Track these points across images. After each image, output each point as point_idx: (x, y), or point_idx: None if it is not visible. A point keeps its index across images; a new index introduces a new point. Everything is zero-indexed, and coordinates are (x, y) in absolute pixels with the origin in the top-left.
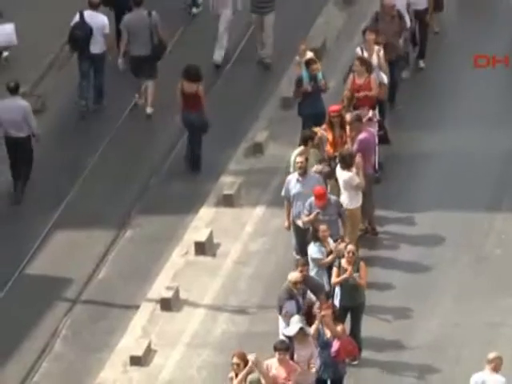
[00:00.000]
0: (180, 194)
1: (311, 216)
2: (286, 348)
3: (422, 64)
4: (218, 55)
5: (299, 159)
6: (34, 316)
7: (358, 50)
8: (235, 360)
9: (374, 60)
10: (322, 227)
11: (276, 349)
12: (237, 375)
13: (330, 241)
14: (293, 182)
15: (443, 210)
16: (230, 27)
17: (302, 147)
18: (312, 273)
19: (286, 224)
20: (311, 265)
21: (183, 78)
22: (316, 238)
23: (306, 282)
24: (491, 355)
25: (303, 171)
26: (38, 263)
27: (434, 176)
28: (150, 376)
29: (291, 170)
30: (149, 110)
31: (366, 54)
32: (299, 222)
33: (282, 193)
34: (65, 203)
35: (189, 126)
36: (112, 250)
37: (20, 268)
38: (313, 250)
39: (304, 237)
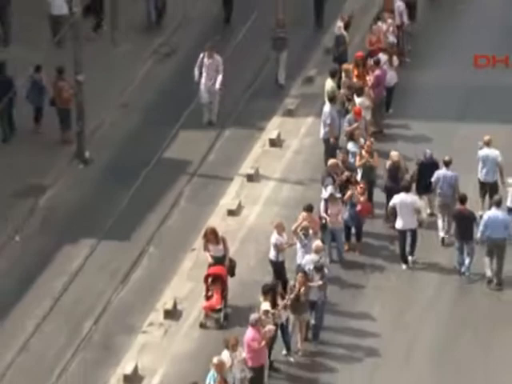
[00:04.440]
0: (260, 107)
1: (354, 126)
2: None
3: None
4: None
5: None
6: (171, 182)
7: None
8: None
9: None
10: (357, 131)
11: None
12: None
13: (362, 140)
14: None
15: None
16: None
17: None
18: (351, 160)
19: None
20: (350, 156)
21: None
22: (352, 139)
23: (344, 163)
24: (486, 137)
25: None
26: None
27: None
28: (240, 222)
29: (325, 97)
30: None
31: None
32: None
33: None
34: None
35: None
36: (217, 141)
37: (157, 155)
38: (351, 146)
39: (333, 147)
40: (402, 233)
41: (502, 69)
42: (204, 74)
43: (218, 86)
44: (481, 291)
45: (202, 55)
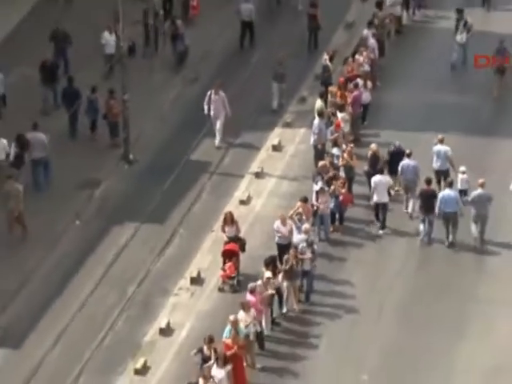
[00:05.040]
0: (265, 121)
1: (335, 135)
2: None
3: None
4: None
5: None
6: (195, 179)
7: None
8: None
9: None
10: (340, 139)
11: (301, 200)
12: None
13: (344, 146)
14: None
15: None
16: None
17: (321, 103)
18: (336, 162)
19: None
20: (334, 158)
21: None
22: (336, 145)
23: (332, 164)
24: (439, 136)
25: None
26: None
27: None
28: (249, 210)
29: (315, 113)
30: None
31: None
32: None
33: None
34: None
35: None
36: (232, 147)
37: (185, 158)
38: (335, 150)
39: (321, 151)
40: (377, 205)
41: (451, 92)
42: (212, 108)
43: (228, 114)
44: (440, 260)
45: (209, 92)
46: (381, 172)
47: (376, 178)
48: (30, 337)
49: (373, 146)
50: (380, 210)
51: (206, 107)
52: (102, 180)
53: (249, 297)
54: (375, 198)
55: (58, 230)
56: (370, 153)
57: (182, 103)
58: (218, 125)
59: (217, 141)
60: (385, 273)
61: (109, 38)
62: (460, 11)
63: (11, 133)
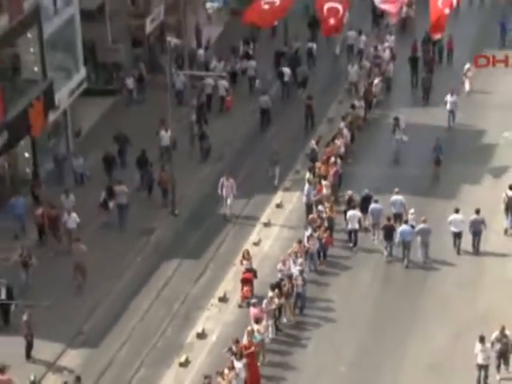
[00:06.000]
0: (270, 188)
1: (318, 196)
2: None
3: None
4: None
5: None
6: (221, 229)
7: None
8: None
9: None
10: (323, 200)
11: (297, 242)
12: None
13: (326, 203)
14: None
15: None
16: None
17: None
18: (322, 215)
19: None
20: (320, 213)
21: None
22: (320, 203)
23: (319, 217)
24: (396, 189)
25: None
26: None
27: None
28: (260, 250)
29: (306, 181)
30: None
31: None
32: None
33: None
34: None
35: None
36: (247, 206)
37: (214, 213)
38: (320, 207)
39: (311, 208)
40: (350, 231)
41: (400, 168)
42: (224, 191)
43: (233, 195)
44: (396, 280)
45: (222, 179)
46: (353, 208)
47: (350, 213)
48: (104, 340)
49: (349, 192)
50: (352, 234)
51: (219, 191)
52: (155, 228)
53: (252, 309)
54: (349, 227)
55: (124, 264)
56: (346, 197)
57: (211, 176)
58: (229, 202)
59: (227, 213)
60: (356, 293)
61: (164, 134)
62: (396, 119)
63: (90, 200)
